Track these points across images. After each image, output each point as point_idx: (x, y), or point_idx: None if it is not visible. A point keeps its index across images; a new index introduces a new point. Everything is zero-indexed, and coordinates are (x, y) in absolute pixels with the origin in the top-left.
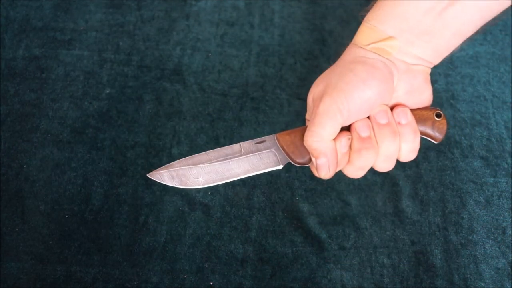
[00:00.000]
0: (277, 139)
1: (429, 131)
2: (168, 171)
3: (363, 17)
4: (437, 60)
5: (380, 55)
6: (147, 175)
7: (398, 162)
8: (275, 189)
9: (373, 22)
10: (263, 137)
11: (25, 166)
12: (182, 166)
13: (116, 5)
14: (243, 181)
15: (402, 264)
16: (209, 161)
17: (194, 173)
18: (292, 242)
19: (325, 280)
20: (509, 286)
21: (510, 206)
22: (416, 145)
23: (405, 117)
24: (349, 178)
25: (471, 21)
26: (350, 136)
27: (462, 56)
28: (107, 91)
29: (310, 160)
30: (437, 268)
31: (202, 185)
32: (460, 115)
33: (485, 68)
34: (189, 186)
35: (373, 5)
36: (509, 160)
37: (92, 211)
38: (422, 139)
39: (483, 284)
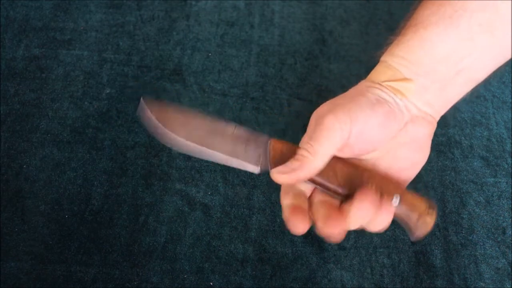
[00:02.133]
0: (270, 144)
1: (414, 220)
2: (159, 110)
3: (379, 57)
4: (444, 110)
5: (394, 94)
6: (142, 101)
7: None
8: (275, 189)
9: (390, 62)
10: (259, 134)
11: (25, 166)
12: (174, 111)
13: (116, 5)
14: (243, 181)
15: (402, 264)
16: (200, 122)
17: (180, 123)
18: (292, 242)
19: (325, 280)
20: (509, 286)
21: (510, 206)
22: (388, 224)
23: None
24: None
25: (486, 68)
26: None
27: None
28: (107, 91)
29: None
30: (437, 268)
31: (181, 139)
32: (460, 115)
33: None
34: (168, 132)
35: (388, 47)
36: (509, 160)
37: (92, 211)
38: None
39: (483, 284)
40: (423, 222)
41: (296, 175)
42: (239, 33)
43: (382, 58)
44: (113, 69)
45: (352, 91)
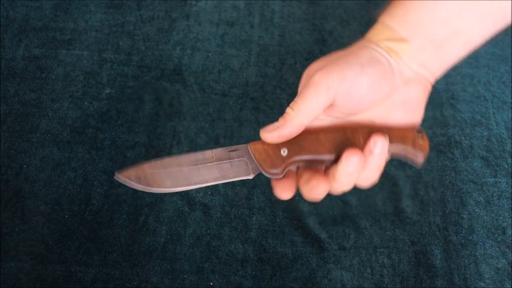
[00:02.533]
0: (250, 148)
1: (409, 149)
2: (136, 172)
3: (377, 17)
4: (439, 72)
5: (389, 55)
6: (116, 174)
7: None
8: None
9: (388, 23)
10: (236, 146)
11: (25, 166)
12: (151, 168)
13: (116, 5)
14: (243, 181)
15: (402, 264)
16: (179, 165)
17: (162, 176)
18: (292, 242)
19: (325, 280)
20: (509, 286)
21: (510, 206)
22: (376, 178)
23: (382, 148)
24: None
25: (484, 31)
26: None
27: None
28: (107, 91)
29: (282, 171)
30: (437, 268)
31: (169, 188)
32: (460, 115)
33: (485, 68)
34: (155, 188)
35: (387, 8)
36: (509, 160)
37: (92, 211)
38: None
39: (483, 284)
40: (418, 147)
41: (280, 131)
42: (239, 33)
43: (381, 19)
44: (113, 69)
45: (347, 50)
